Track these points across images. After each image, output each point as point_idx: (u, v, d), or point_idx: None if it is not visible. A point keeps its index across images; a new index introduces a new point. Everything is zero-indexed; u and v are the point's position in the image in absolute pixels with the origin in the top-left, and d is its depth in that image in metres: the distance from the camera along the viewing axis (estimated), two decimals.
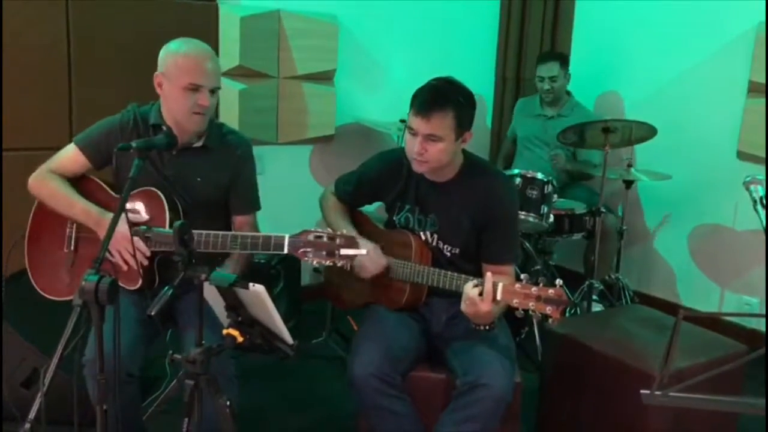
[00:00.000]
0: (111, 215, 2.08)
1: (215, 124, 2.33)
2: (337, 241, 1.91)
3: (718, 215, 3.83)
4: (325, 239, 1.92)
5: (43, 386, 1.44)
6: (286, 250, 1.98)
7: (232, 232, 2.12)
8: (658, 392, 1.40)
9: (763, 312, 3.62)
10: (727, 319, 3.63)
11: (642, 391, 1.45)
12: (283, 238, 1.98)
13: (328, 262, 1.92)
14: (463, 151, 2.27)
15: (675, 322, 1.35)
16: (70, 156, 2.28)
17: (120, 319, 1.61)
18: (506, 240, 2.25)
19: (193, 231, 1.67)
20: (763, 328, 3.52)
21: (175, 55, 2.16)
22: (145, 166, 1.99)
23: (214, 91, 2.18)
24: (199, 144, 2.27)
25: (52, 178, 2.25)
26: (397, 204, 2.34)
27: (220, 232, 2.08)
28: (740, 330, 3.49)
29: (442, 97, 2.09)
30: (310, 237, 1.93)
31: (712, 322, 3.50)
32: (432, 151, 2.10)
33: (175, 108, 2.18)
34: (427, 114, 2.06)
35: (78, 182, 2.30)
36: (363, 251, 1.96)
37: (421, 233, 2.30)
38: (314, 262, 1.94)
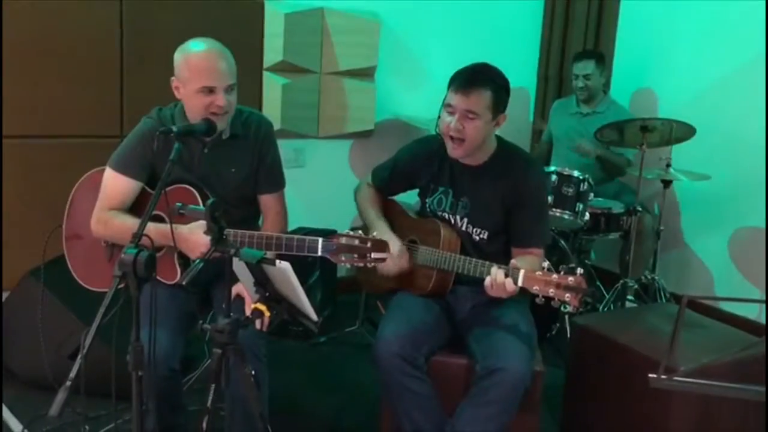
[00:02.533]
0: (180, 226, 2.05)
1: (235, 110, 2.31)
2: (368, 244, 1.97)
3: (760, 218, 3.76)
4: (356, 243, 1.97)
5: (83, 349, 1.52)
6: (319, 253, 2.02)
7: (267, 233, 2.16)
8: (663, 376, 1.43)
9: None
10: (760, 321, 3.60)
11: (650, 375, 1.48)
12: (316, 241, 2.03)
13: (359, 264, 1.99)
14: (497, 138, 2.35)
15: (679, 306, 1.38)
16: (117, 185, 2.24)
17: (158, 314, 1.63)
18: (535, 223, 2.30)
19: (228, 230, 1.74)
20: None
21: (186, 58, 2.16)
22: (180, 164, 1.96)
23: (231, 89, 2.17)
24: (226, 135, 2.29)
25: (112, 216, 2.22)
26: (431, 186, 2.41)
27: (255, 233, 2.13)
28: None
29: (481, 76, 2.18)
30: (343, 240, 1.98)
31: (746, 324, 3.49)
32: (468, 128, 2.17)
33: (194, 111, 2.18)
34: (467, 90, 2.14)
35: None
36: (394, 254, 2.01)
37: (452, 216, 2.36)
38: (346, 264, 2.01)
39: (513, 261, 2.05)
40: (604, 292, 3.81)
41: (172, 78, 2.21)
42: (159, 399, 2.10)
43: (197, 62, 2.14)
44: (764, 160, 3.68)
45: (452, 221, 2.37)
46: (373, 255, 1.97)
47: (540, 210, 2.35)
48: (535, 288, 1.94)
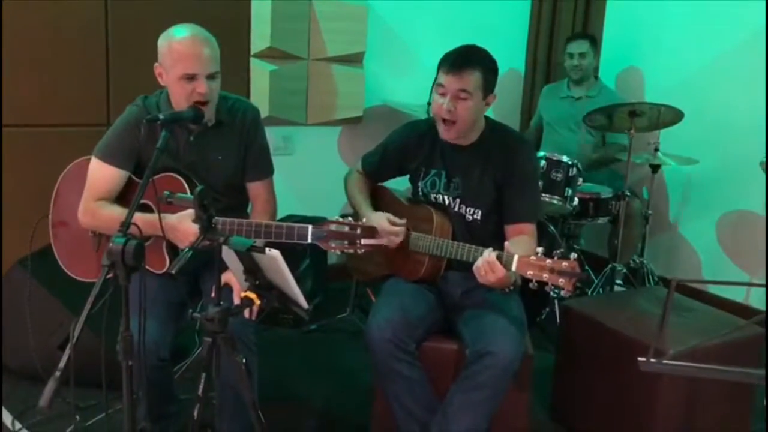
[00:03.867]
0: (168, 215, 2.04)
1: (220, 96, 2.29)
2: (358, 231, 1.97)
3: (747, 202, 3.79)
4: (346, 230, 1.97)
5: (72, 339, 1.51)
6: (309, 240, 2.02)
7: (256, 221, 2.15)
8: (653, 359, 1.44)
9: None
10: (747, 304, 3.64)
11: (639, 359, 1.50)
12: (306, 228, 2.03)
13: (349, 251, 1.99)
14: (485, 117, 2.36)
15: (668, 289, 1.38)
16: (103, 175, 2.22)
17: (147, 304, 1.62)
18: (525, 198, 2.30)
19: (217, 218, 1.71)
20: None
21: (169, 44, 2.13)
22: (166, 152, 1.92)
23: (213, 76, 2.15)
24: (212, 123, 2.27)
25: (100, 206, 2.20)
26: (423, 169, 2.41)
27: (244, 221, 2.13)
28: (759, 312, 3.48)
29: (471, 56, 2.21)
30: (332, 227, 1.98)
31: (733, 307, 3.52)
32: (461, 108, 2.19)
33: (176, 98, 2.18)
34: (459, 71, 2.16)
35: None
36: (383, 241, 2.06)
37: (446, 197, 2.37)
38: (336, 251, 2.01)
39: (506, 244, 2.03)
40: (593, 277, 3.83)
41: (156, 64, 2.19)
42: (150, 388, 2.10)
43: (179, 49, 2.12)
44: (751, 145, 3.70)
45: (446, 202, 2.37)
46: (363, 241, 1.97)
47: (529, 184, 2.34)
48: (529, 273, 1.93)
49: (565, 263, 1.90)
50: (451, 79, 2.17)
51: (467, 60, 2.18)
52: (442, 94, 2.21)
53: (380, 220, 2.25)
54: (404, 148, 2.46)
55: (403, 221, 2.27)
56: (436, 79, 2.24)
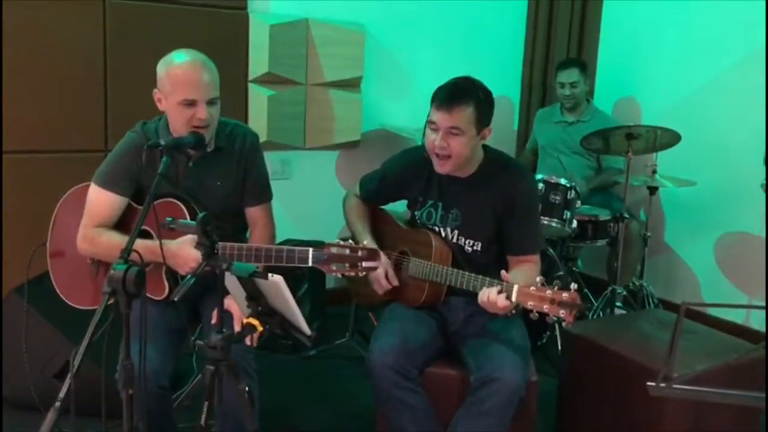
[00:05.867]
0: (168, 241, 2.02)
1: (219, 122, 2.28)
2: (359, 253, 1.96)
3: (746, 223, 3.80)
4: (347, 252, 1.96)
5: (72, 368, 1.49)
6: (310, 263, 2.01)
7: (256, 245, 2.14)
8: (662, 384, 1.43)
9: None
10: (748, 325, 3.63)
11: (648, 383, 1.48)
12: (306, 251, 2.02)
13: (350, 273, 1.97)
14: (484, 147, 2.32)
15: (678, 313, 1.37)
16: (102, 201, 2.21)
17: (147, 331, 1.60)
18: (528, 229, 2.27)
19: (218, 243, 1.69)
20: None
21: (167, 70, 2.13)
22: (165, 178, 1.88)
23: (212, 102, 2.15)
24: (211, 148, 2.26)
25: (99, 233, 2.18)
26: (419, 199, 2.38)
27: (245, 245, 2.11)
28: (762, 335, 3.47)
29: (463, 91, 2.15)
30: (333, 250, 1.96)
31: (734, 328, 3.51)
32: (454, 144, 2.15)
33: (175, 123, 2.17)
34: (449, 107, 2.12)
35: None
36: (385, 262, 2.03)
37: (442, 229, 2.34)
38: (338, 274, 2.00)
39: (503, 272, 2.03)
40: (593, 300, 3.82)
41: (155, 90, 2.19)
42: (149, 417, 2.06)
43: (179, 74, 2.12)
44: (748, 166, 3.72)
45: (442, 234, 2.35)
46: (365, 264, 1.95)
47: (532, 216, 2.32)
48: (529, 303, 1.93)
49: (565, 294, 1.89)
50: (442, 116, 2.13)
51: (458, 96, 2.13)
52: (434, 130, 2.16)
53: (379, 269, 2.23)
54: (402, 177, 2.43)
55: (395, 283, 2.30)
56: (429, 113, 2.20)
